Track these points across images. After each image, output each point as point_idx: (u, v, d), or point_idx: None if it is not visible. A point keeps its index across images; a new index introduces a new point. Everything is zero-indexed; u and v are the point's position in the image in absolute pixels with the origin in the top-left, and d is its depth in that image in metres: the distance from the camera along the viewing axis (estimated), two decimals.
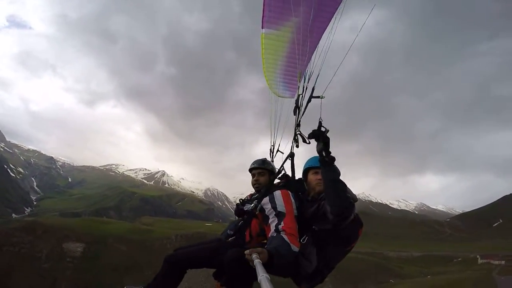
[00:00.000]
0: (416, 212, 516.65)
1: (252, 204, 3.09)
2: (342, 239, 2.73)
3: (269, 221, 2.75)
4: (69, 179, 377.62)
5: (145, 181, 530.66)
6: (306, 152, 3.34)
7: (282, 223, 2.60)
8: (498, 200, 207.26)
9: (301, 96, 3.45)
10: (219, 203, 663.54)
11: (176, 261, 2.80)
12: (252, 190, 3.54)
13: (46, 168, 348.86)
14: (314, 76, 3.42)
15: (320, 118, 2.76)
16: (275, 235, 2.54)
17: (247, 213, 3.12)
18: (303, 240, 2.75)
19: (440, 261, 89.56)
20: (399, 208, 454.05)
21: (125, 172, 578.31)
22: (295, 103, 3.46)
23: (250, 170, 3.43)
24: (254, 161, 3.45)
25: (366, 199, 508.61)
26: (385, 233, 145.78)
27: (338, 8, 3.59)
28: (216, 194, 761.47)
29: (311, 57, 4.05)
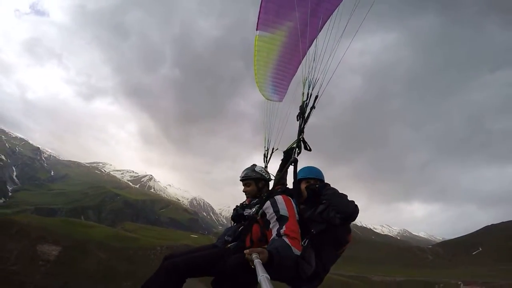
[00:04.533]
0: (399, 238, 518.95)
1: (253, 209, 3.06)
2: (335, 243, 2.95)
3: (271, 226, 2.74)
4: (52, 173, 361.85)
5: (131, 184, 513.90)
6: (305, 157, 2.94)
7: (284, 227, 2.58)
8: (479, 229, 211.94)
9: (305, 103, 3.46)
10: (204, 213, 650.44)
11: (175, 270, 2.65)
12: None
13: (30, 159, 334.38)
14: (317, 84, 3.45)
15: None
16: (276, 238, 2.52)
17: (247, 218, 3.07)
18: (304, 243, 2.75)
19: (423, 286, 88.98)
20: (382, 233, 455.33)
21: (111, 172, 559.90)
22: (300, 109, 3.46)
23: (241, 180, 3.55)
24: (243, 171, 3.49)
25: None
26: (368, 257, 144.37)
27: (332, 16, 3.63)
28: (202, 204, 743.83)
29: (301, 61, 4.01)
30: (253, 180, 3.38)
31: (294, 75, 4.79)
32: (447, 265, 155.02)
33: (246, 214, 3.15)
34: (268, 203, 2.89)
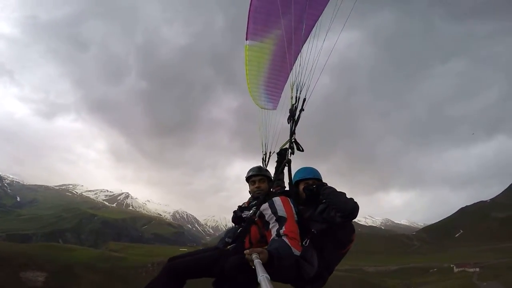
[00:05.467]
0: (383, 228, 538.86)
1: (251, 211, 3.08)
2: (338, 242, 2.87)
3: (270, 227, 2.77)
4: (18, 198, 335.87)
5: (107, 203, 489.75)
6: (301, 158, 3.79)
7: (283, 227, 2.62)
8: (455, 212, 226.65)
9: (294, 106, 3.60)
10: (189, 226, 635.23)
11: (175, 272, 2.71)
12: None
13: None
14: (304, 87, 3.61)
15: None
16: (276, 238, 2.56)
17: (245, 220, 3.11)
18: (305, 243, 2.75)
19: (418, 272, 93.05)
20: (366, 225, 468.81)
21: (83, 193, 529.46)
22: (290, 112, 3.61)
23: (249, 177, 3.43)
24: (252, 169, 3.49)
25: None
26: (359, 249, 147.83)
27: (317, 22, 3.91)
28: (185, 217, 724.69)
29: (291, 68, 4.11)
30: (267, 178, 3.44)
31: (286, 82, 4.73)
32: (434, 250, 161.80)
33: (245, 216, 3.19)
34: (266, 204, 2.93)
